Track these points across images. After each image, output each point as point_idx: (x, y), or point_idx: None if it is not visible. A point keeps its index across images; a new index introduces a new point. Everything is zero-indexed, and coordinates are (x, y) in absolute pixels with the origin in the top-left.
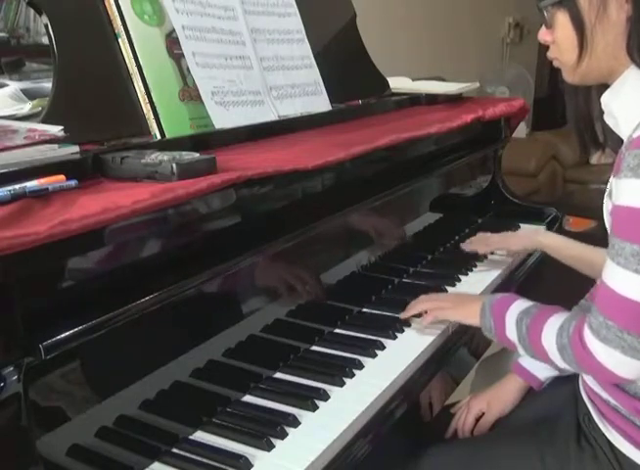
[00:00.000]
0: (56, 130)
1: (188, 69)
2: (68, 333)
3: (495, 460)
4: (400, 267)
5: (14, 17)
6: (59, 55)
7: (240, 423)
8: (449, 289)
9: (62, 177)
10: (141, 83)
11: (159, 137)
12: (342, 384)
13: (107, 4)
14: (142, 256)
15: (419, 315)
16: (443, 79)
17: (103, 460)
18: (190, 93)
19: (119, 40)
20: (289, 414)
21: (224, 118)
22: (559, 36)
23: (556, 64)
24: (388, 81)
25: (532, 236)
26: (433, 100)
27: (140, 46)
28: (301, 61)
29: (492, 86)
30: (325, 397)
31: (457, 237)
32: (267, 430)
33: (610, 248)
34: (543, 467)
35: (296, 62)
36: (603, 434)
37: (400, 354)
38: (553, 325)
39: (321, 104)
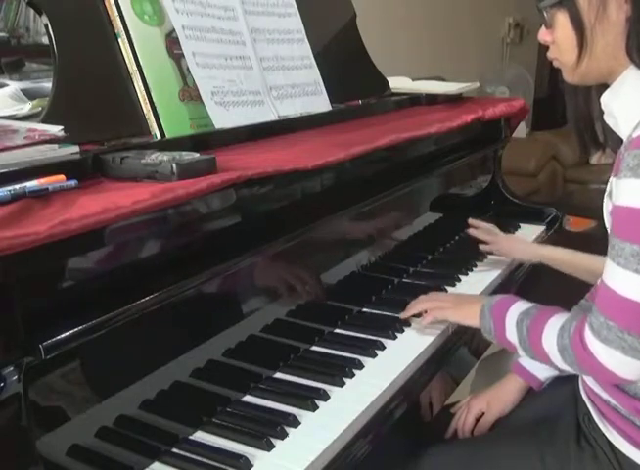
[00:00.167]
0: (56, 130)
1: (188, 69)
2: (67, 333)
3: (495, 460)
4: (400, 267)
5: (14, 17)
6: (59, 55)
7: (240, 423)
8: (449, 289)
9: (62, 177)
10: (141, 83)
11: (159, 137)
12: (342, 384)
13: (107, 4)
14: (142, 256)
15: (419, 315)
16: (443, 79)
17: (103, 460)
18: (190, 93)
19: (119, 40)
20: (289, 414)
21: (224, 118)
22: (559, 36)
23: (556, 64)
24: (387, 81)
25: (537, 250)
26: (433, 100)
27: (140, 46)
28: (301, 61)
29: (492, 86)
30: (325, 397)
31: (457, 237)
32: (267, 430)
33: (610, 248)
34: (543, 467)
35: (296, 62)
36: (603, 434)
37: (400, 354)
38: (553, 326)
39: (321, 104)
